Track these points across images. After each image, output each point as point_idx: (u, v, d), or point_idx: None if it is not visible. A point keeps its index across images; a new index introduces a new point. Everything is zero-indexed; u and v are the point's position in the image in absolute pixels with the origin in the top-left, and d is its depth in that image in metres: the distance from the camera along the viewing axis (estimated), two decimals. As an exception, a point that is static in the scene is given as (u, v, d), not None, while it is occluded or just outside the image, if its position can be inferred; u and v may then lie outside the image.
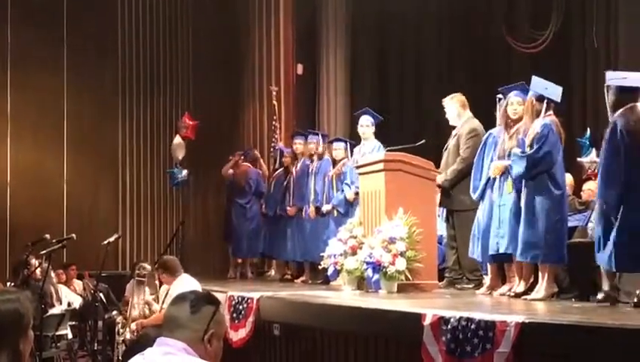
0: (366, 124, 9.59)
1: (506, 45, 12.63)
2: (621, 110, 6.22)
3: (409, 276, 7.79)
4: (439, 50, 13.27)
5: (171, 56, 14.06)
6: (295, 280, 10.53)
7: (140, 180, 14.08)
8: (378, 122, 9.61)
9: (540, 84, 7.31)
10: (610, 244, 6.11)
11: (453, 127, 8.81)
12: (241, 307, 7.85)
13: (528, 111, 7.33)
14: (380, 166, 8.24)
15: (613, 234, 6.08)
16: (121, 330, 9.16)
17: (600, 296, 6.56)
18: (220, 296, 8.15)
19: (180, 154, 12.92)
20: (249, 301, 7.76)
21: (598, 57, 11.58)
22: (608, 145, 6.26)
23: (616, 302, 6.52)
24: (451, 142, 8.71)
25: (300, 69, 13.02)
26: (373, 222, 8.21)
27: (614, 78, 6.64)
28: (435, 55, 13.25)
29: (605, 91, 6.61)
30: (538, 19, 12.43)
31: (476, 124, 8.66)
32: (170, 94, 14.08)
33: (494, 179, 7.68)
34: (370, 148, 9.37)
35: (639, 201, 6.06)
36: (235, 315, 7.90)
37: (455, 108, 8.74)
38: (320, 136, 10.71)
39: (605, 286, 6.57)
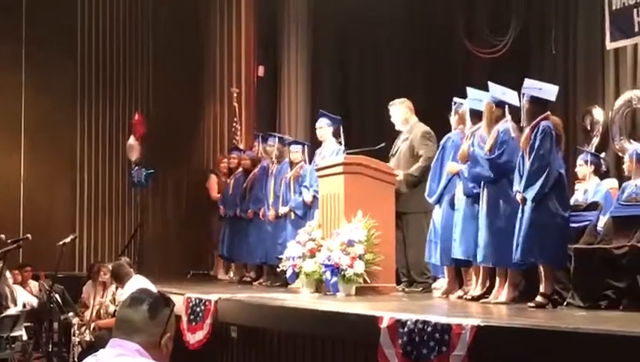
0: (320, 126, 9.61)
1: (465, 50, 12.72)
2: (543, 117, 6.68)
3: (367, 279, 7.82)
4: (399, 52, 13.31)
5: (130, 56, 13.97)
6: (254, 283, 10.50)
7: (98, 180, 13.97)
8: (337, 124, 9.59)
9: (498, 90, 7.42)
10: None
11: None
12: (198, 309, 7.82)
13: (486, 117, 7.41)
14: (340, 169, 8.26)
15: None
16: (77, 332, 9.09)
17: (539, 298, 6.64)
18: (178, 298, 8.14)
19: (133, 155, 12.84)
20: (207, 303, 7.73)
21: (556, 63, 11.70)
22: (547, 144, 6.64)
23: (557, 305, 6.64)
24: (403, 146, 8.72)
25: (260, 70, 12.99)
26: (332, 225, 8.22)
27: (530, 87, 6.89)
28: (396, 57, 13.29)
29: (521, 97, 6.90)
30: (497, 25, 12.52)
31: (426, 127, 8.72)
32: (130, 95, 13.99)
33: (452, 183, 7.77)
34: (330, 151, 9.38)
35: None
36: (192, 317, 7.86)
37: (402, 113, 8.79)
38: (279, 138, 10.70)
39: (542, 288, 6.66)
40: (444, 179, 7.91)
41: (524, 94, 6.93)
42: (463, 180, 7.53)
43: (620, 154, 10.28)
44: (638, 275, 6.37)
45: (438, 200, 7.94)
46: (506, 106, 7.26)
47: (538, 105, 6.88)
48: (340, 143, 9.10)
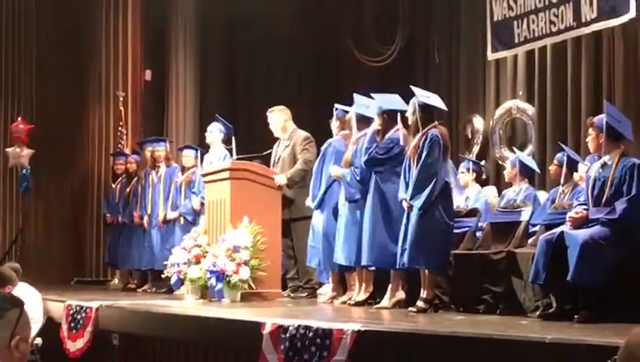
0: (210, 130, 9.59)
1: (353, 57, 12.87)
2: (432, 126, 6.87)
3: (252, 285, 7.81)
4: (288, 58, 13.36)
5: (13, 60, 13.52)
6: (138, 290, 10.36)
7: (-22, 185, 13.51)
8: (229, 132, 9.51)
9: (385, 100, 7.53)
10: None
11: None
12: (79, 316, 7.66)
13: (379, 124, 7.50)
14: (226, 174, 8.23)
15: None
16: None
17: (420, 303, 6.77)
18: (58, 306, 7.97)
19: (17, 161, 12.50)
20: (87, 310, 7.57)
21: (440, 73, 11.97)
22: (436, 153, 6.78)
23: (438, 309, 6.79)
24: (284, 153, 8.74)
25: (148, 74, 12.82)
26: (218, 231, 8.18)
27: (421, 96, 7.07)
28: (284, 63, 13.33)
29: (412, 104, 7.03)
30: (384, 34, 12.73)
31: (306, 133, 8.79)
32: (12, 99, 13.55)
33: (332, 188, 7.86)
34: (217, 156, 9.35)
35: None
36: (72, 325, 7.69)
37: (281, 121, 8.82)
38: (167, 142, 10.59)
39: (423, 293, 6.81)
40: (324, 185, 7.98)
41: (414, 103, 7.06)
42: (345, 185, 7.62)
43: (500, 162, 10.61)
44: (513, 280, 6.58)
45: (319, 206, 8.02)
46: (398, 114, 7.38)
47: (427, 113, 7.01)
48: (231, 151, 9.06)
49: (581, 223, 5.90)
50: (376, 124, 7.42)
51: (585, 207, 6.03)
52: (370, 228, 7.29)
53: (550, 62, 10.27)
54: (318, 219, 8.04)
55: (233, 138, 9.00)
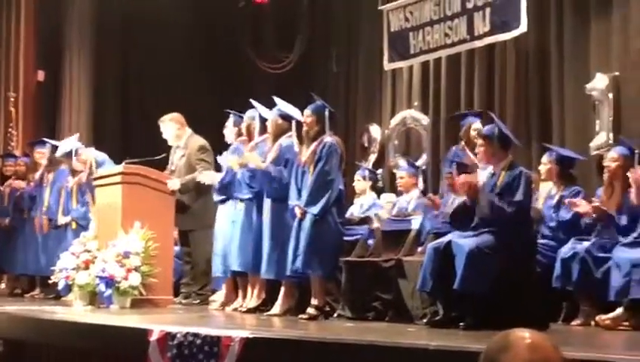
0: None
1: (252, 63, 12.85)
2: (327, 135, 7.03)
3: (143, 291, 7.69)
4: (185, 60, 13.21)
5: None
6: (25, 295, 10.09)
7: None
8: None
9: (284, 105, 7.56)
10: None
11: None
12: (-41, 323, 7.40)
13: (272, 130, 7.53)
14: (118, 178, 8.09)
15: None
16: None
17: (310, 309, 6.81)
18: None
19: None
20: (-31, 317, 7.33)
21: (338, 81, 12.07)
22: (333, 161, 6.94)
23: (328, 316, 6.84)
24: (180, 163, 8.64)
25: (40, 75, 12.51)
26: (108, 236, 8.02)
27: (281, 105, 7.43)
28: (181, 65, 13.17)
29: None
30: (284, 41, 12.76)
31: (202, 139, 8.73)
32: None
33: (227, 198, 7.85)
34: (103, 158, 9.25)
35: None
36: (-47, 332, 7.43)
37: (173, 130, 8.73)
38: (53, 145, 10.35)
39: (314, 300, 6.85)
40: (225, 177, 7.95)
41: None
42: (237, 186, 7.64)
43: (395, 170, 10.73)
44: (402, 287, 6.66)
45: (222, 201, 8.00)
46: (293, 121, 7.40)
47: (285, 120, 7.11)
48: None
49: (471, 191, 6.00)
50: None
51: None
52: (268, 237, 7.32)
53: (444, 73, 10.47)
54: (219, 226, 8.01)
55: None
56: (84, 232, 8.60)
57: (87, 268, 7.93)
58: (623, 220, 6.38)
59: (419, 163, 10.11)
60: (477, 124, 7.59)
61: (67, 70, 12.64)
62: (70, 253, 8.21)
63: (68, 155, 9.63)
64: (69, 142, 9.74)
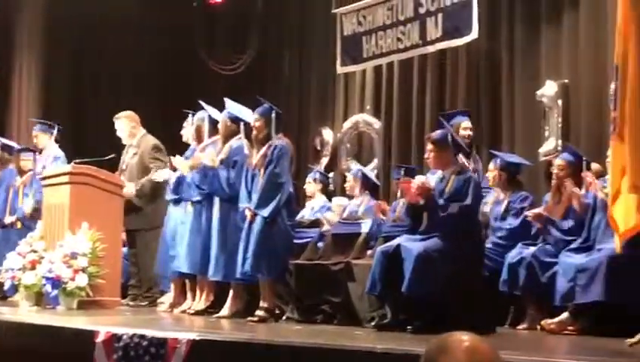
0: (35, 134, 9.53)
1: (204, 64, 12.79)
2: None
3: (90, 292, 7.61)
4: (137, 60, 13.09)
5: None
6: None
7: None
8: (51, 130, 9.45)
9: (234, 107, 7.54)
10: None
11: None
12: None
13: (222, 132, 7.52)
14: (66, 178, 8.00)
15: None
16: None
17: (259, 312, 6.80)
18: None
19: None
20: None
21: (291, 84, 12.06)
22: (284, 163, 6.98)
23: (278, 318, 6.85)
24: (132, 161, 8.60)
25: (-10, 72, 12.34)
26: (56, 236, 7.93)
27: (231, 107, 7.47)
28: (133, 66, 13.05)
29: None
30: (236, 43, 12.71)
31: (155, 139, 8.68)
32: None
33: (177, 201, 7.80)
34: (51, 159, 9.12)
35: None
36: None
37: (128, 127, 8.70)
38: (2, 145, 10.19)
39: (264, 302, 6.83)
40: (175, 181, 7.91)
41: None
42: (186, 189, 7.63)
43: (346, 173, 10.75)
44: (351, 290, 6.67)
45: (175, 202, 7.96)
46: (242, 123, 7.39)
47: (269, 125, 7.08)
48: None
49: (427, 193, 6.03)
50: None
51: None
52: (217, 239, 7.29)
53: (397, 77, 10.52)
54: (168, 227, 7.96)
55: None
56: (30, 232, 8.48)
57: (33, 268, 7.84)
58: (569, 225, 6.47)
59: (370, 166, 10.16)
60: (466, 123, 7.55)
61: (16, 71, 12.46)
62: (16, 253, 8.10)
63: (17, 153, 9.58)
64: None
